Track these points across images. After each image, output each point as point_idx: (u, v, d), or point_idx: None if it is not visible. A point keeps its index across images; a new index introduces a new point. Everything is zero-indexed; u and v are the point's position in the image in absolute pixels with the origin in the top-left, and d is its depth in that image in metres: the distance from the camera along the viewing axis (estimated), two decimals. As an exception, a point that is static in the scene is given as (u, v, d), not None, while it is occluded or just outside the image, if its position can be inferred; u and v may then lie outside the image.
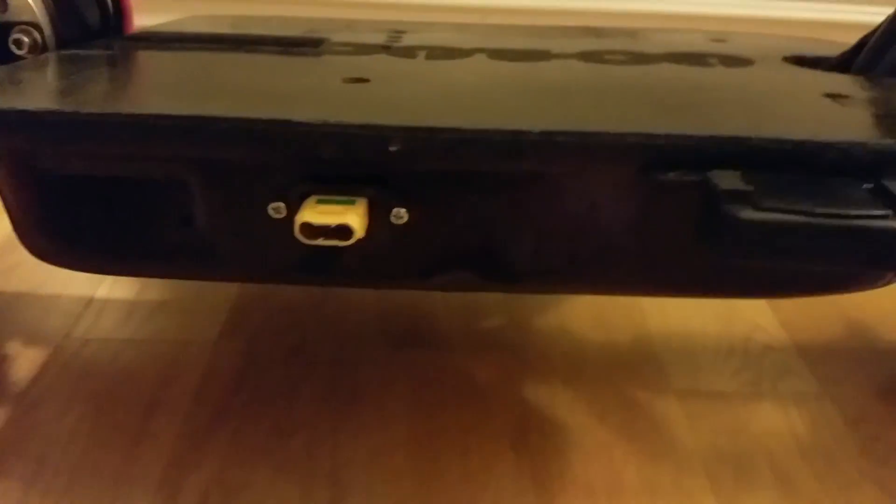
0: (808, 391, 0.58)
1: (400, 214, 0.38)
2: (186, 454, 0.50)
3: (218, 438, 0.51)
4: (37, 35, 0.49)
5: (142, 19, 0.62)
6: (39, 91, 0.42)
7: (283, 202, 0.37)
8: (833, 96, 0.43)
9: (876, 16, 0.50)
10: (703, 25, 0.96)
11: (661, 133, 0.34)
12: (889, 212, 0.32)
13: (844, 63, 0.52)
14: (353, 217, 0.36)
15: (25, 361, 0.58)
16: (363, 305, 0.66)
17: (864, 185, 0.34)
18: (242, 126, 0.35)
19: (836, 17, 1.00)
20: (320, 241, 0.36)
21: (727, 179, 0.33)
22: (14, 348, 0.60)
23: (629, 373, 0.59)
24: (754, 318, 0.66)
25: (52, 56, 0.48)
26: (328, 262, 0.40)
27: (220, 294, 0.66)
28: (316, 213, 0.36)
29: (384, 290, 0.64)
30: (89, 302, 0.65)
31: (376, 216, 0.37)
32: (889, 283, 0.43)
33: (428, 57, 0.51)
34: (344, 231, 0.36)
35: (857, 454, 0.52)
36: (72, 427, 0.52)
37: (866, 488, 0.49)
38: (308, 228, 0.36)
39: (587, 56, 0.52)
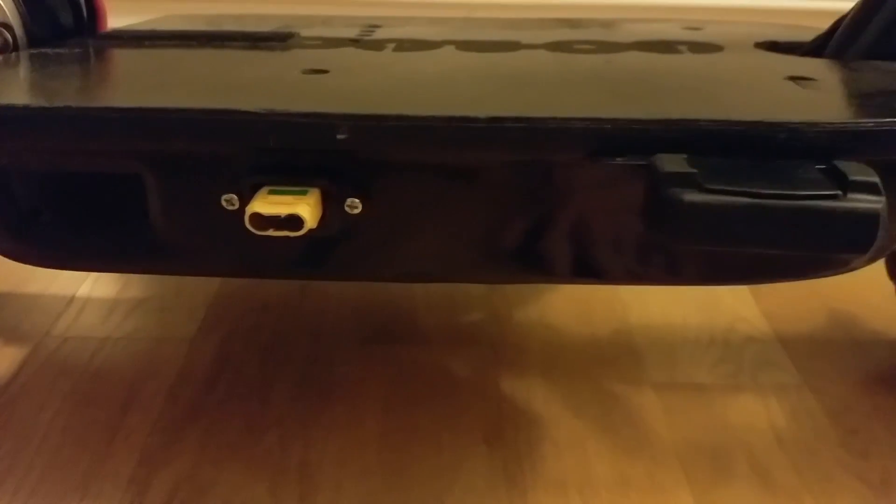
0: (788, 383, 0.57)
1: (354, 205, 0.38)
2: (158, 451, 0.50)
3: (190, 436, 0.51)
4: (7, 35, 0.50)
5: (121, 19, 0.62)
6: (2, 89, 0.42)
7: (236, 193, 0.37)
8: (796, 79, 0.42)
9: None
10: (688, 15, 0.95)
11: (607, 118, 0.34)
12: (838, 192, 0.31)
13: (818, 48, 0.51)
14: (304, 207, 0.36)
15: (4, 359, 0.58)
16: (342, 300, 0.66)
17: (817, 167, 0.33)
18: (190, 117, 0.35)
19: (822, 5, 0.99)
20: (270, 233, 0.36)
21: (672, 162, 0.32)
22: (-5, 347, 0.60)
23: (607, 366, 0.59)
24: (737, 308, 0.66)
25: (21, 55, 0.49)
26: (285, 253, 0.40)
27: (199, 291, 0.66)
28: (266, 204, 0.36)
29: (367, 283, 0.64)
30: (71, 300, 0.66)
31: (330, 207, 0.37)
32: (856, 267, 0.42)
33: (395, 49, 0.51)
34: (295, 222, 0.36)
35: (837, 446, 0.51)
36: (47, 424, 0.52)
37: (846, 480, 0.49)
38: (258, 219, 0.36)
39: (555, 46, 0.51)
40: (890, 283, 0.59)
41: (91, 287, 0.67)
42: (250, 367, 0.58)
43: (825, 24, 0.52)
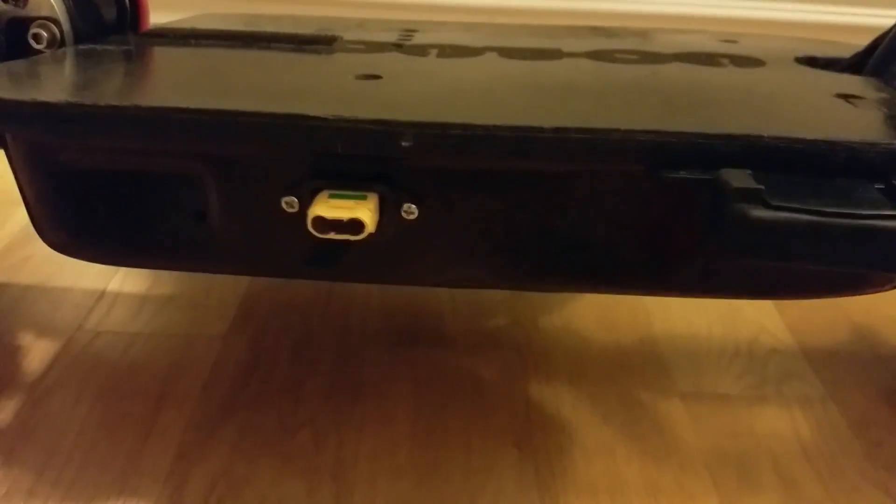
0: (812, 394, 0.58)
1: (410, 210, 0.38)
2: (194, 447, 0.50)
3: (225, 432, 0.51)
4: (55, 30, 0.50)
5: (157, 16, 0.62)
6: (57, 84, 0.42)
7: (296, 196, 0.38)
8: (845, 97, 0.43)
9: (889, 19, 0.50)
10: (713, 27, 0.96)
11: (672, 131, 0.35)
12: None
13: (856, 65, 0.52)
14: (365, 212, 0.36)
15: (38, 352, 0.59)
16: (368, 303, 0.66)
17: (875, 186, 0.34)
18: (257, 120, 0.36)
19: (849, 20, 1.00)
20: (332, 236, 0.36)
21: (738, 178, 0.33)
22: (27, 339, 0.60)
23: (633, 373, 0.59)
24: (760, 320, 0.67)
25: (69, 51, 0.49)
26: (339, 256, 0.41)
27: (229, 289, 0.67)
28: (328, 208, 0.36)
29: (392, 286, 0.65)
30: (101, 295, 0.66)
31: (387, 212, 0.38)
32: (889, 288, 0.43)
33: (439, 55, 0.51)
34: (355, 225, 0.36)
35: (860, 458, 0.52)
36: (82, 418, 0.52)
37: (869, 492, 0.49)
38: (320, 222, 0.36)
39: (597, 55, 0.52)
40: (911, 299, 0.60)
41: (121, 282, 0.68)
42: (281, 365, 0.58)
43: (845, 39, 0.52)
